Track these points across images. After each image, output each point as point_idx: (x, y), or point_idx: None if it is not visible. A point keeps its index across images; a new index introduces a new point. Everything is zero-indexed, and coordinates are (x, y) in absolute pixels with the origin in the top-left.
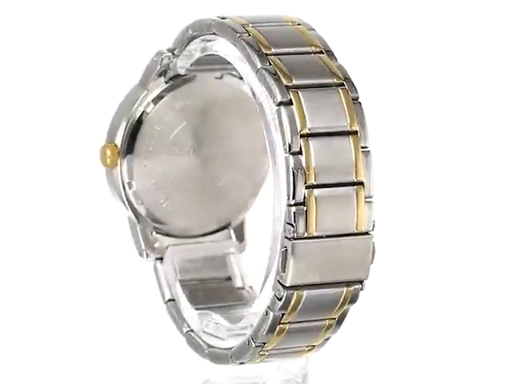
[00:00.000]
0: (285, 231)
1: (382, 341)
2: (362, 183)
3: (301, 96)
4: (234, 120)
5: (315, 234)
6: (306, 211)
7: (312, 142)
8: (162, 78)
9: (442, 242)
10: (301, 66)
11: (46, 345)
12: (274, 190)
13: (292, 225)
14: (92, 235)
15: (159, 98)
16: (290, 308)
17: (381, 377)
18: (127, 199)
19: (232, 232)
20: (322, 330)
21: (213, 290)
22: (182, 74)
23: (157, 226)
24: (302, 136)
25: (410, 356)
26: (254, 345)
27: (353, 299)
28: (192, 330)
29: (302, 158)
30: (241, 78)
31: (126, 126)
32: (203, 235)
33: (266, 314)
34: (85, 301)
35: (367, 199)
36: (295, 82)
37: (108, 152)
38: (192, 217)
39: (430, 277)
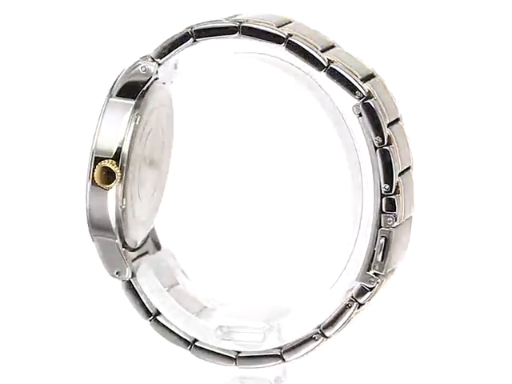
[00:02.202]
0: (380, 221)
1: (381, 341)
2: None
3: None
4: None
5: (404, 219)
6: (400, 198)
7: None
8: None
9: (442, 242)
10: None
11: (54, 336)
12: (355, 185)
13: (391, 214)
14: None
15: None
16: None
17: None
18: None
19: None
20: None
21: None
22: None
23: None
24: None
25: (410, 356)
26: (321, 339)
27: None
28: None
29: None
30: None
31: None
32: None
33: (349, 306)
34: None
35: None
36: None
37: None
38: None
39: (430, 277)
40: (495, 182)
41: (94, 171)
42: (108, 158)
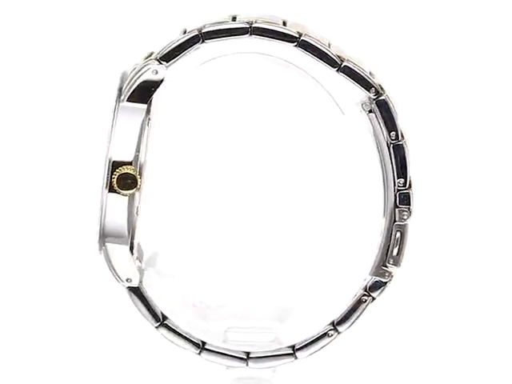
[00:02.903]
0: (395, 215)
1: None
2: None
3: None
4: None
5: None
6: (413, 192)
7: None
8: None
9: (442, 242)
10: None
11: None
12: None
13: (406, 208)
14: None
15: None
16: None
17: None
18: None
19: None
20: None
21: None
22: None
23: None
24: None
25: (410, 356)
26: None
27: None
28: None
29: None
30: None
31: None
32: None
33: (364, 301)
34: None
35: None
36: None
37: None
38: None
39: (430, 277)
40: (492, 182)
41: (112, 178)
42: (126, 164)
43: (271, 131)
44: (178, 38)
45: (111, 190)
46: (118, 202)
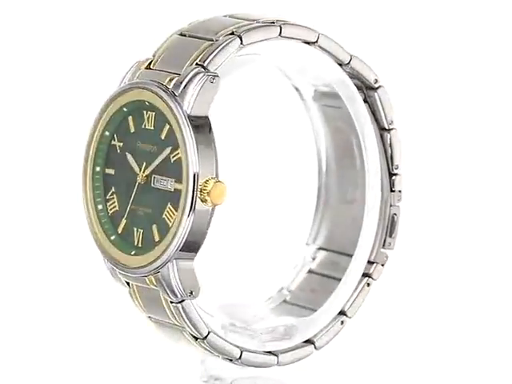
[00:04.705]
0: (390, 199)
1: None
2: None
3: None
4: None
5: None
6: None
7: None
8: None
9: (441, 242)
10: None
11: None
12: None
13: (399, 191)
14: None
15: None
16: None
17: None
18: None
19: None
20: None
21: None
22: None
23: None
24: None
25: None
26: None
27: None
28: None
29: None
30: None
31: None
32: None
33: (368, 285)
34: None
35: None
36: None
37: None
38: None
39: (430, 276)
40: (484, 182)
41: (206, 191)
42: (212, 178)
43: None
44: (220, 43)
45: (204, 201)
46: (205, 214)
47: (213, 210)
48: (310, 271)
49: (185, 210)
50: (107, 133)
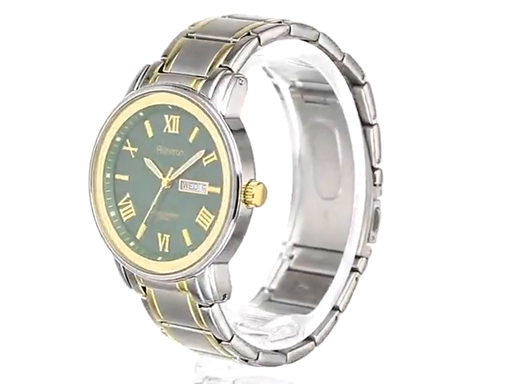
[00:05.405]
0: (373, 193)
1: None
2: None
3: None
4: None
5: None
6: None
7: None
8: None
9: (441, 242)
10: None
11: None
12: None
13: (380, 185)
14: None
15: None
16: None
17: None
18: None
19: None
20: None
21: None
22: None
23: None
24: None
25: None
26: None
27: None
28: None
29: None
30: None
31: None
32: None
33: (356, 279)
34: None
35: None
36: None
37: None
38: None
39: (429, 276)
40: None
41: (250, 193)
42: (253, 179)
43: None
44: (241, 44)
45: (247, 203)
46: (248, 216)
47: (252, 211)
48: (289, 269)
49: (228, 213)
50: (118, 138)
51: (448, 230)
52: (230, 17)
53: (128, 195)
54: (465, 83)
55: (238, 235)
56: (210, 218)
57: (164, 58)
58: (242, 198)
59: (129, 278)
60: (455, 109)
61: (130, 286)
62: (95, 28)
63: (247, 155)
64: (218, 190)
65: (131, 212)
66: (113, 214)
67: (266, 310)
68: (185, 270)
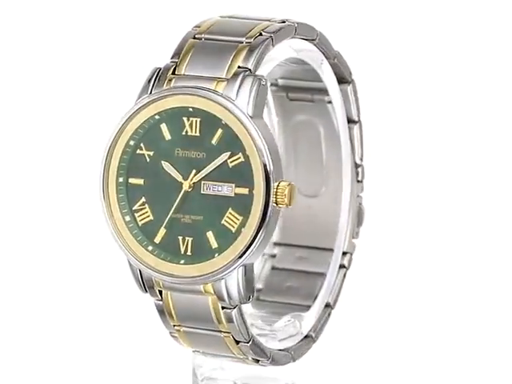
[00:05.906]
0: (356, 189)
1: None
2: None
3: None
4: None
5: None
6: None
7: None
8: None
9: (440, 241)
10: None
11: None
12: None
13: (362, 181)
14: None
15: None
16: None
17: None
18: None
19: None
20: None
21: None
22: None
23: None
24: None
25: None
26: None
27: None
28: None
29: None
30: None
31: None
32: None
33: (344, 275)
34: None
35: None
36: None
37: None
38: None
39: (429, 276)
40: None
41: (282, 193)
42: (283, 180)
43: None
44: (256, 44)
45: (279, 203)
46: (277, 217)
47: (280, 211)
48: (274, 268)
49: (261, 215)
50: (132, 142)
51: (431, 225)
52: (230, 17)
53: (144, 199)
54: (454, 81)
55: (267, 236)
56: (237, 219)
57: (174, 60)
58: (274, 199)
59: (145, 282)
60: (438, 105)
61: (146, 291)
62: (95, 30)
63: (275, 155)
64: (245, 191)
65: (148, 216)
66: (128, 218)
67: (260, 310)
68: (213, 272)
